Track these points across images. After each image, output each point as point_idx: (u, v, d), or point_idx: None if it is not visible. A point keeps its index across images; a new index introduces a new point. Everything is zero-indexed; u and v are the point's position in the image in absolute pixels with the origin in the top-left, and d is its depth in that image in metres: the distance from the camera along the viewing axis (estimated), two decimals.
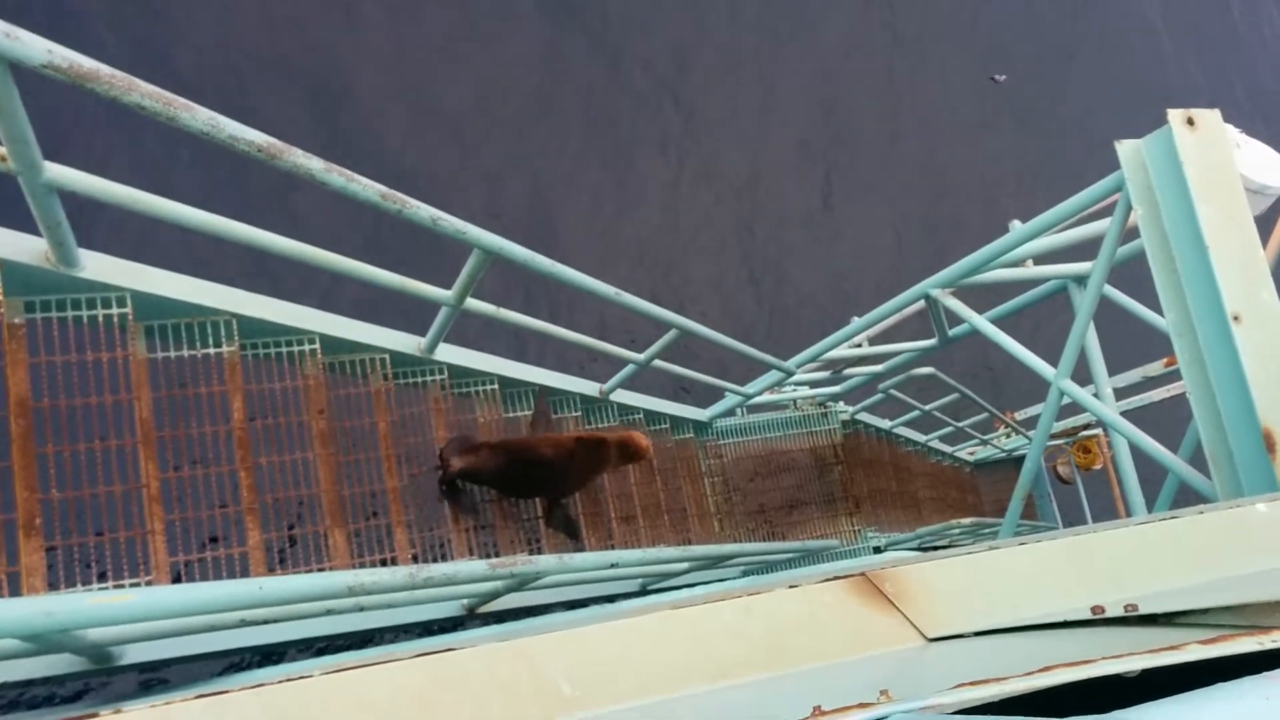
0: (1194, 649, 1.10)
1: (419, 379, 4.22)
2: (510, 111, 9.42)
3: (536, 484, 4.56)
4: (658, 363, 4.98)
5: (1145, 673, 1.12)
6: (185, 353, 3.29)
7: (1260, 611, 1.25)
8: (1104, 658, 1.12)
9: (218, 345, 3.36)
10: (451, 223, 2.95)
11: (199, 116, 2.22)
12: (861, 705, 0.98)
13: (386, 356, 3.97)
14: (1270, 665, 0.95)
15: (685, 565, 4.27)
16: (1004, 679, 1.08)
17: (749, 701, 1.28)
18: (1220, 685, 0.91)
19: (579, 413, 5.26)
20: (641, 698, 1.37)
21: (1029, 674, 1.09)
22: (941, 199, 12.49)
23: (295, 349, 3.66)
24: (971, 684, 1.07)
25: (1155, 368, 7.84)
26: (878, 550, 7.42)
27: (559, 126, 9.76)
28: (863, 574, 1.75)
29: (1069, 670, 1.10)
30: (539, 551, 4.64)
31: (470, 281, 3.39)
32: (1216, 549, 1.93)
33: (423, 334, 4.07)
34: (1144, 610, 1.40)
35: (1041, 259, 5.06)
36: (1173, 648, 1.11)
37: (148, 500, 3.10)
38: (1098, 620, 1.46)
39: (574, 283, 3.69)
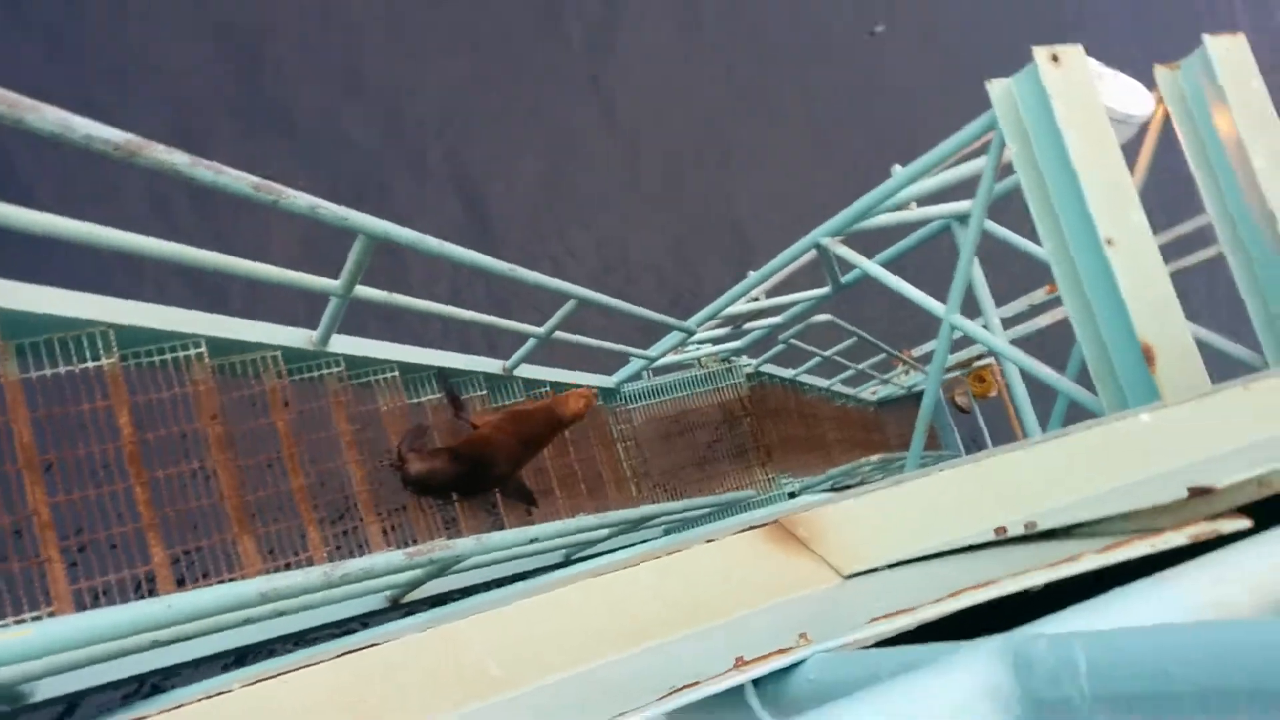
0: (1089, 559, 1.15)
1: (315, 373, 4.11)
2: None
3: (491, 479, 4.65)
4: (560, 334, 4.95)
5: (1049, 586, 1.17)
6: (62, 369, 3.13)
7: (1149, 516, 1.30)
8: (1007, 576, 1.16)
9: (96, 359, 3.21)
10: (331, 210, 2.85)
11: (48, 117, 2.10)
12: (780, 651, 0.99)
13: (279, 353, 3.85)
14: (1162, 566, 1.00)
15: (605, 532, 4.29)
16: (915, 608, 1.11)
17: (672, 660, 1.29)
18: (1116, 590, 0.95)
19: (484, 391, 5.19)
20: (568, 670, 1.37)
21: (938, 601, 1.12)
22: (830, 148, 12.66)
23: (180, 355, 3.52)
24: (885, 617, 1.10)
25: (1038, 295, 8.15)
26: (793, 495, 7.56)
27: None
28: (776, 521, 1.78)
29: (976, 593, 1.13)
30: (500, 527, 4.61)
31: (357, 269, 3.30)
32: (1107, 461, 2.01)
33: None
34: (1043, 526, 1.45)
35: (925, 201, 5.19)
36: (1070, 559, 1.15)
37: (39, 528, 2.96)
38: (1002, 541, 1.51)
39: (464, 260, 3.63)
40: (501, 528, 4.75)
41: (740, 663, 0.98)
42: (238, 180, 2.48)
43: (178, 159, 2.30)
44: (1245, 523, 1.15)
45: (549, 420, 4.96)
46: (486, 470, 4.56)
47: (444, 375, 4.87)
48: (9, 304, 2.94)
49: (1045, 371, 3.90)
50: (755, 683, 0.97)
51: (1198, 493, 1.20)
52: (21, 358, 3.06)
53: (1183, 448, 2.03)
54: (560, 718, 1.19)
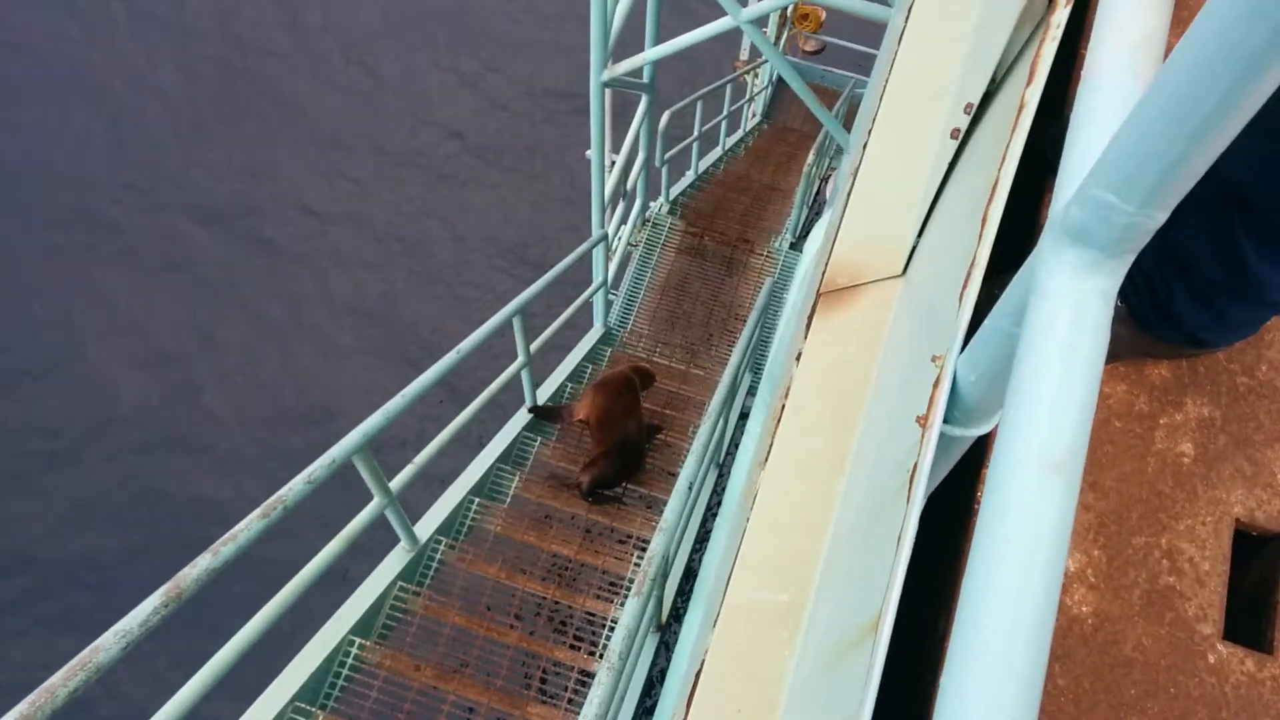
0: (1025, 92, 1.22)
1: (432, 564, 4.22)
2: None
3: (637, 448, 5.24)
4: (534, 344, 5.02)
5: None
6: None
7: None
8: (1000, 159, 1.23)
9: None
10: (321, 464, 2.92)
11: None
12: (934, 386, 1.08)
13: (398, 583, 3.96)
14: None
15: (720, 421, 4.40)
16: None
17: (869, 442, 1.37)
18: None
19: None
20: (822, 540, 1.47)
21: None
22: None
23: (349, 658, 3.63)
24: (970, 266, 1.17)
25: None
26: (795, 247, 7.66)
27: None
28: (816, 295, 1.86)
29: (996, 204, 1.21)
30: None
31: (376, 475, 3.37)
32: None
33: None
34: (975, 101, 1.51)
35: None
36: (1020, 108, 1.22)
37: None
38: (963, 138, 1.58)
39: (432, 382, 3.68)
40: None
41: (921, 421, 1.07)
42: (248, 526, 2.55)
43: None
44: None
45: (630, 381, 5.46)
46: (630, 442, 5.14)
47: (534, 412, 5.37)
48: None
49: None
50: (945, 420, 1.06)
51: None
52: None
53: None
54: (862, 577, 1.28)
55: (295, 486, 2.82)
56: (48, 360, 9.12)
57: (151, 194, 10.31)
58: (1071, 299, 0.75)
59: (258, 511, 2.66)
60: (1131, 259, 0.76)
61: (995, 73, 1.55)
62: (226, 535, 2.53)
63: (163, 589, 2.28)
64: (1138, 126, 0.68)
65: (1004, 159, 1.21)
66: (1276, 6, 0.54)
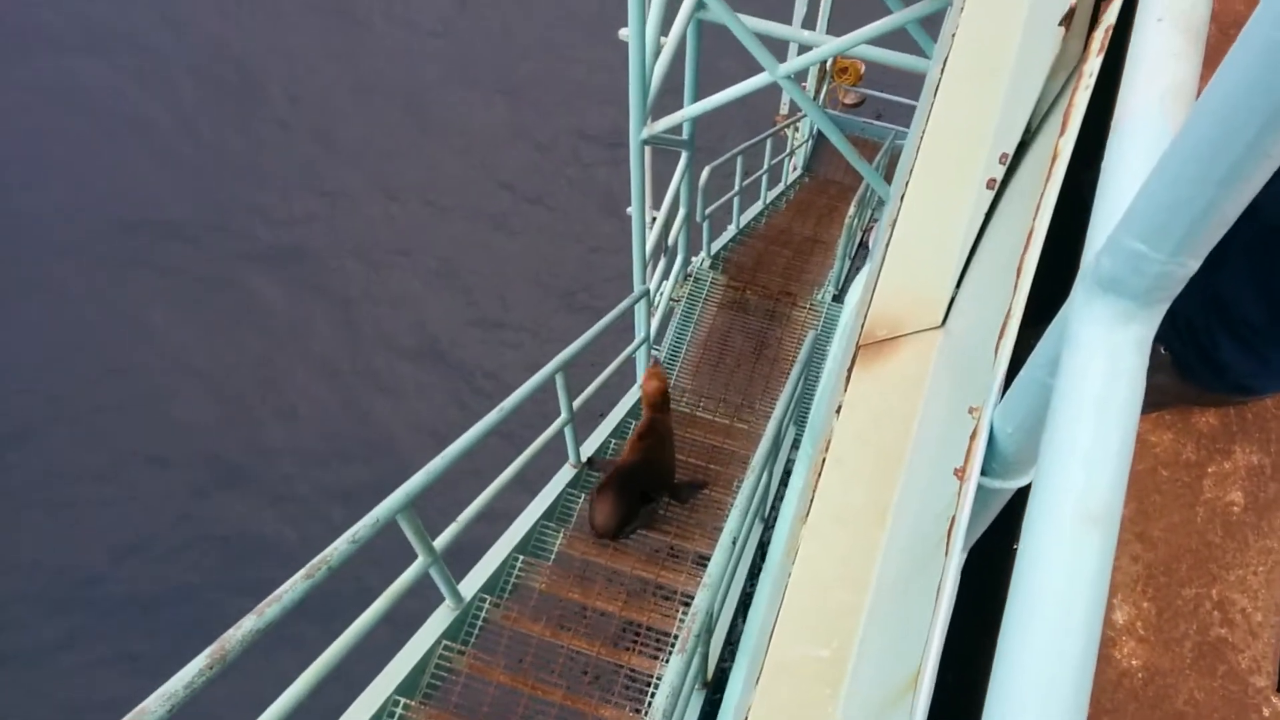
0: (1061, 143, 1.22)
1: (477, 623, 4.21)
2: None
3: (658, 475, 5.26)
4: (577, 401, 5.03)
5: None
6: None
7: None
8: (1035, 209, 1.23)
9: None
10: (365, 525, 2.94)
11: None
12: (971, 437, 1.06)
13: (443, 641, 3.95)
14: None
15: (764, 474, 4.37)
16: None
17: (912, 499, 1.36)
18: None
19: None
20: (864, 596, 1.45)
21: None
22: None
23: (393, 718, 3.62)
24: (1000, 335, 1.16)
25: None
26: (837, 299, 7.64)
27: None
28: (856, 348, 1.85)
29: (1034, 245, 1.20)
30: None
31: (420, 535, 3.38)
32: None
33: None
34: (1010, 150, 1.52)
35: None
36: (1055, 156, 1.22)
37: None
38: (999, 189, 1.58)
39: (474, 442, 3.70)
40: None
41: (959, 473, 1.05)
42: (292, 587, 2.57)
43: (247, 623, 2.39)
44: None
45: (650, 415, 5.39)
46: (627, 474, 5.07)
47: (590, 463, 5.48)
48: None
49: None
50: (982, 472, 1.05)
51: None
52: None
53: None
54: (902, 631, 1.26)
55: (340, 547, 2.83)
56: (106, 399, 9.38)
57: (211, 238, 10.71)
58: (1105, 349, 0.74)
59: (302, 572, 2.68)
60: (1165, 307, 0.75)
61: (1030, 122, 1.55)
62: (271, 596, 2.54)
63: (208, 651, 2.29)
64: (1167, 174, 0.67)
65: (1038, 208, 1.21)
66: None
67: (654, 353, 7.12)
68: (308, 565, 2.69)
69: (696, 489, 5.65)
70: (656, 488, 5.30)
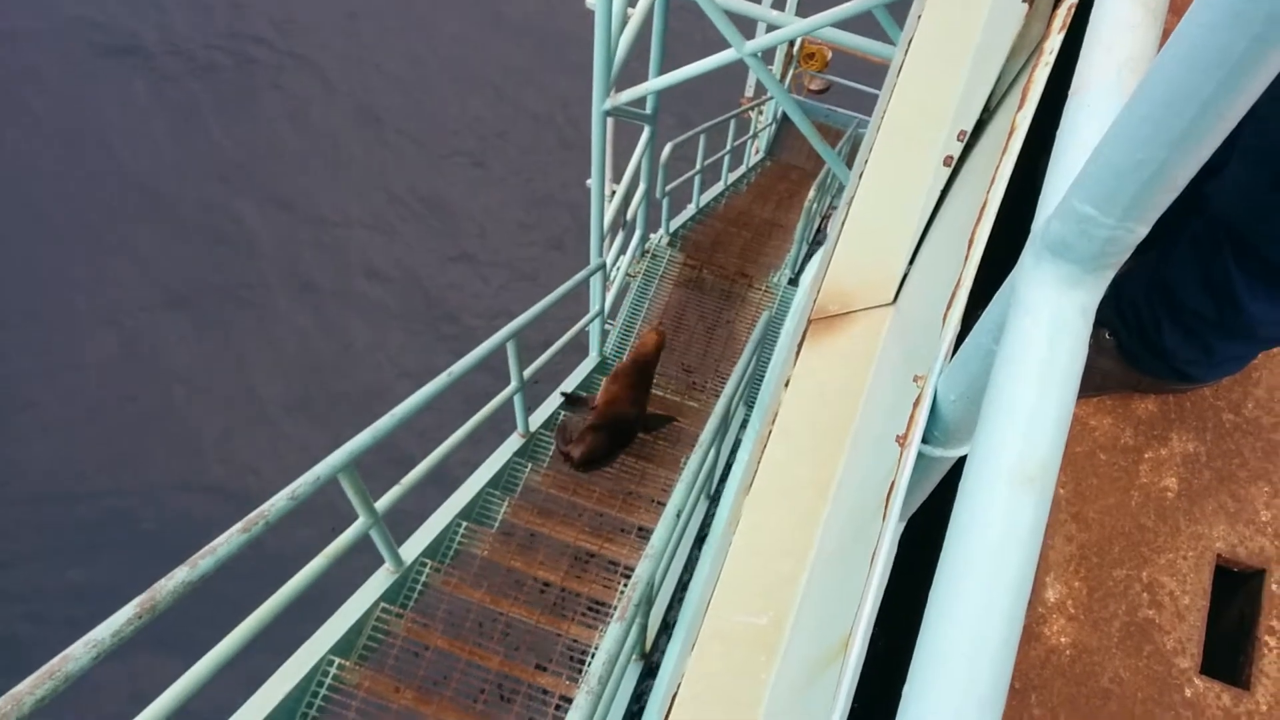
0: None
1: (418, 586, 4.17)
2: None
3: (632, 427, 5.74)
4: (529, 371, 5.00)
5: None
6: None
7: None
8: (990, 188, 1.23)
9: None
10: (305, 482, 2.90)
11: None
12: (914, 404, 1.07)
13: (381, 604, 3.92)
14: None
15: (712, 451, 4.37)
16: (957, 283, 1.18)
17: (855, 469, 1.36)
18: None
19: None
20: (804, 563, 1.45)
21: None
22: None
23: (327, 678, 3.58)
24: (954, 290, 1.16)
25: None
26: (793, 283, 7.66)
27: None
28: (808, 323, 1.85)
29: (984, 226, 1.20)
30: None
31: (362, 495, 3.34)
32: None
33: None
34: (969, 128, 1.51)
35: None
36: (1011, 131, 1.22)
37: None
38: (955, 166, 1.58)
39: (419, 406, 3.65)
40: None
41: (900, 440, 1.05)
42: (228, 540, 2.53)
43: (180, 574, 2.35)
44: None
45: (639, 361, 5.93)
46: (624, 422, 5.62)
47: (565, 400, 6.00)
48: None
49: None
50: (925, 440, 1.04)
51: None
52: None
53: None
54: (839, 598, 1.27)
55: (278, 502, 2.79)
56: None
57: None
58: (1050, 313, 0.74)
59: (238, 525, 2.63)
60: (1111, 274, 0.75)
61: (989, 100, 1.55)
62: (205, 549, 2.49)
63: (137, 600, 2.25)
64: (1119, 137, 0.67)
65: (993, 182, 1.21)
66: (1257, 14, 0.53)
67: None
68: (245, 519, 2.65)
69: (663, 422, 6.13)
70: (627, 420, 5.71)
